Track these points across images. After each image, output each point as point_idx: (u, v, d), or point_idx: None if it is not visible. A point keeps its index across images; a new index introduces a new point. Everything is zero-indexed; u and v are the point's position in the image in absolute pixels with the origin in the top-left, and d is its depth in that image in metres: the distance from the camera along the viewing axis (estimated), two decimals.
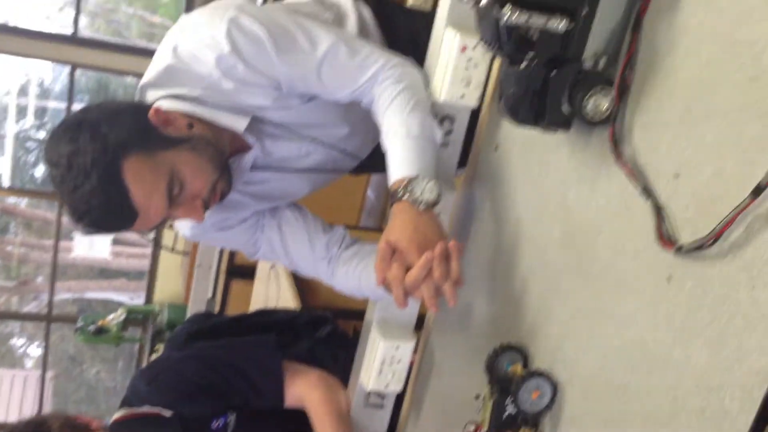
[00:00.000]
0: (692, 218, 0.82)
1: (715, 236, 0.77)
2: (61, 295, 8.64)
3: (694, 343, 0.80)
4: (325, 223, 1.52)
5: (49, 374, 8.07)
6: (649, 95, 0.89)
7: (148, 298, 6.88)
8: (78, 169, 1.17)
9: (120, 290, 9.12)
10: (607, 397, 0.94)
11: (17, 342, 9.61)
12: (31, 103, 8.55)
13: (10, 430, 1.52)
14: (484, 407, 1.12)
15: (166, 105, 1.28)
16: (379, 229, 3.80)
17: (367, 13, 1.48)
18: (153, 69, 1.30)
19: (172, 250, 5.68)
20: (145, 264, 7.30)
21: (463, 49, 1.21)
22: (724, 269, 0.77)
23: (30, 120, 8.77)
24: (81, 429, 1.54)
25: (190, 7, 6.04)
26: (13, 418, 8.42)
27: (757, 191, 0.71)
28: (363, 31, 1.45)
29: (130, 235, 7.86)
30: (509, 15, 0.85)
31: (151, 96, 1.32)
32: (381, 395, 1.53)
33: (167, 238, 5.92)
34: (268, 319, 1.92)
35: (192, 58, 1.25)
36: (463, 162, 1.38)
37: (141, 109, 1.26)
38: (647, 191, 0.87)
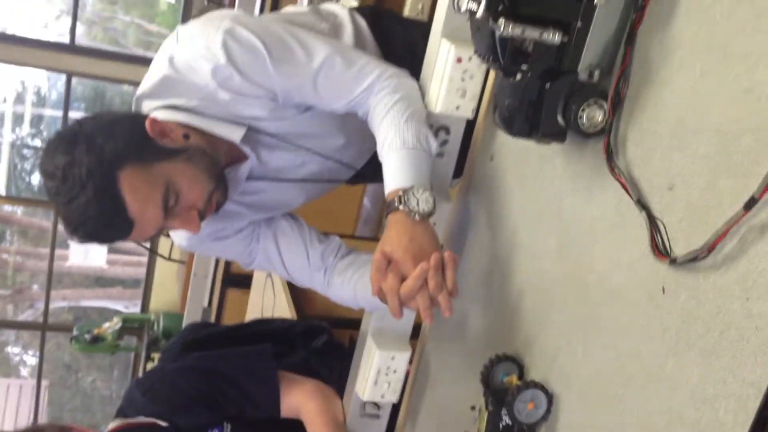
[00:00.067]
0: (686, 230, 0.82)
1: (709, 248, 0.77)
2: (57, 304, 8.62)
3: (688, 355, 0.80)
4: (320, 233, 1.52)
5: (45, 383, 8.05)
6: (644, 107, 0.89)
7: (144, 307, 6.87)
8: (73, 181, 1.18)
9: (116, 298, 9.10)
10: (603, 408, 0.94)
11: (12, 350, 9.58)
12: (28, 111, 8.54)
13: None
14: (480, 418, 1.12)
15: (162, 116, 1.28)
16: (376, 238, 3.80)
17: (363, 23, 1.49)
18: (149, 80, 1.31)
19: (169, 258, 5.66)
20: (141, 272, 7.30)
21: (459, 60, 1.21)
22: (718, 281, 0.77)
23: (26, 128, 8.77)
24: None
25: (187, 15, 6.05)
26: (8, 427, 8.40)
27: (750, 204, 0.72)
28: (359, 42, 1.45)
29: (126, 244, 7.84)
30: (504, 28, 0.85)
31: (147, 107, 1.32)
32: (377, 405, 1.52)
33: (163, 246, 5.90)
34: (264, 328, 1.92)
35: (188, 69, 1.25)
36: (458, 172, 1.38)
37: (137, 120, 1.26)
38: (641, 203, 0.88)
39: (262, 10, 3.50)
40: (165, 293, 6.57)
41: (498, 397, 1.09)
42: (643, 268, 0.88)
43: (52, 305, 7.53)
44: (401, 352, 1.41)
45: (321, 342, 1.85)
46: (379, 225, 4.07)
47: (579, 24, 0.88)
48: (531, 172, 1.14)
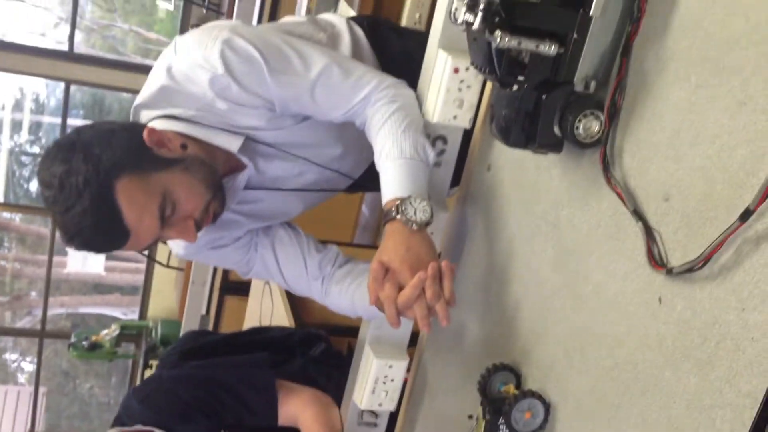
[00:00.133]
0: (682, 241, 0.82)
1: (705, 259, 0.77)
2: (55, 310, 8.61)
3: (684, 365, 0.81)
4: (318, 242, 1.52)
5: (42, 390, 8.02)
6: (639, 118, 0.89)
7: (142, 314, 6.86)
8: (70, 190, 1.18)
9: (114, 305, 9.09)
10: (600, 417, 0.94)
11: (10, 357, 9.56)
12: (26, 118, 8.54)
13: None
14: (477, 427, 1.12)
15: (160, 125, 1.28)
16: (374, 245, 3.80)
17: (361, 33, 1.49)
18: (147, 89, 1.31)
19: (167, 265, 5.66)
20: (139, 279, 7.29)
21: (456, 70, 1.21)
22: (713, 292, 0.77)
23: (25, 135, 8.77)
24: None
25: (185, 23, 6.06)
26: None
27: (745, 215, 0.72)
28: (357, 52, 1.46)
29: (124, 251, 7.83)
30: (500, 39, 0.86)
31: (145, 116, 1.32)
32: (374, 414, 1.52)
33: (162, 253, 5.90)
34: (262, 337, 1.92)
35: (186, 79, 1.26)
36: (455, 181, 1.39)
37: (135, 129, 1.26)
38: (638, 213, 0.88)
39: (260, 20, 3.52)
40: (163, 300, 6.57)
41: (495, 406, 1.09)
42: (639, 278, 0.88)
43: (50, 312, 7.52)
44: (399, 360, 1.41)
45: (319, 350, 1.85)
46: (378, 232, 4.08)
47: (575, 35, 0.89)
48: (528, 182, 1.15)
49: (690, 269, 0.79)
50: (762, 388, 0.71)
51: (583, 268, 0.99)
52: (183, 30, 6.12)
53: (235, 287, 3.75)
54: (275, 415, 1.59)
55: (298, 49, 1.28)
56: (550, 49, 0.88)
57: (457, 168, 1.36)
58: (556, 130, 0.95)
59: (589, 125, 0.93)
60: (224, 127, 1.30)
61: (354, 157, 1.48)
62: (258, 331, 2.05)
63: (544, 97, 0.93)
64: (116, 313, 8.74)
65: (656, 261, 0.85)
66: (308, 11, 3.19)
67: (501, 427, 1.08)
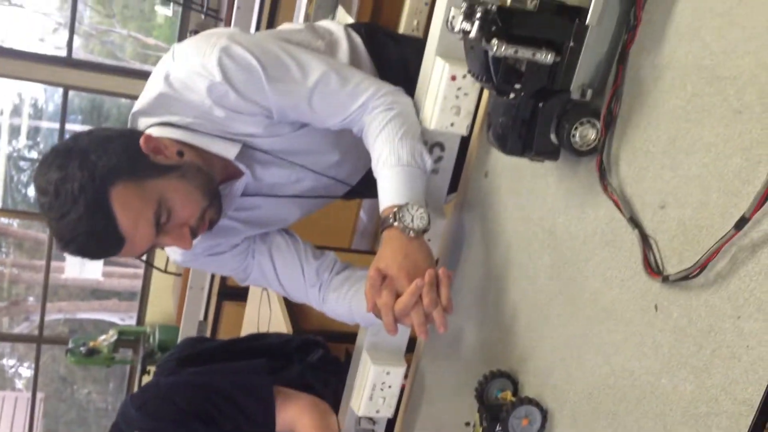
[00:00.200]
0: (678, 248, 0.82)
1: (701, 267, 0.78)
2: (53, 316, 8.60)
3: (680, 372, 0.81)
4: (315, 249, 1.53)
5: (40, 395, 8.00)
6: (635, 127, 0.90)
7: (140, 319, 6.85)
8: (65, 196, 1.18)
9: (112, 311, 9.07)
10: (596, 424, 0.95)
11: (8, 363, 9.54)
12: (25, 123, 8.54)
13: None
14: None
15: (157, 132, 1.29)
16: (372, 251, 3.80)
17: (359, 40, 1.50)
18: (145, 97, 1.31)
19: (165, 271, 5.65)
20: (137, 285, 7.28)
21: (453, 78, 1.22)
22: (709, 299, 0.78)
23: (23, 140, 8.76)
24: None
25: (184, 29, 6.07)
26: None
27: (740, 223, 0.72)
28: (354, 59, 1.46)
29: None
30: (497, 48, 0.86)
31: (142, 123, 1.32)
32: (372, 421, 1.52)
33: (159, 259, 5.90)
34: (260, 343, 1.92)
35: (184, 87, 1.26)
36: (453, 188, 1.39)
37: (132, 136, 1.26)
38: (634, 221, 0.88)
39: (258, 26, 3.52)
40: (161, 306, 6.56)
41: (492, 413, 1.09)
42: (635, 285, 0.89)
43: (48, 317, 7.51)
44: (396, 367, 1.42)
45: (316, 357, 1.85)
46: (376, 238, 4.08)
47: (571, 44, 0.89)
48: (525, 189, 1.15)
49: (686, 277, 0.79)
50: (757, 395, 0.71)
51: (580, 276, 1.00)
52: (182, 36, 6.13)
53: (233, 293, 3.75)
54: (273, 422, 1.59)
55: (295, 56, 1.29)
56: (546, 57, 0.89)
57: (454, 175, 1.36)
58: (553, 137, 0.95)
59: (586, 133, 0.93)
60: (221, 134, 1.30)
61: (351, 164, 1.48)
62: (256, 338, 2.05)
63: (540, 105, 0.94)
64: (114, 318, 8.72)
65: (652, 268, 0.85)
66: (306, 18, 3.19)
67: None
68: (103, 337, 6.01)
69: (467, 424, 1.22)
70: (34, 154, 8.69)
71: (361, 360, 1.44)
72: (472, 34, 0.88)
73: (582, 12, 0.88)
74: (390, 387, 1.42)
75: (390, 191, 1.19)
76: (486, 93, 1.25)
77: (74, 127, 7.29)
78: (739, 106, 0.75)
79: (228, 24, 4.57)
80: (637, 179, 0.89)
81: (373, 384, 1.41)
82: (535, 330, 1.10)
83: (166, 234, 1.25)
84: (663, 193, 0.85)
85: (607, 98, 0.92)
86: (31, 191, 8.49)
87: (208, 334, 3.86)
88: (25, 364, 9.25)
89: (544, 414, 1.05)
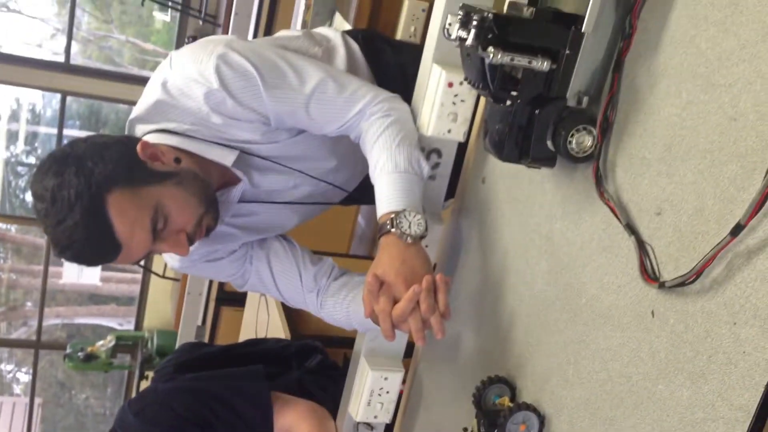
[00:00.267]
0: (674, 255, 0.83)
1: (697, 273, 0.78)
2: (51, 321, 8.59)
3: (677, 378, 0.81)
4: (313, 254, 1.53)
5: (38, 400, 8.00)
6: (631, 134, 0.90)
7: (138, 324, 6.85)
8: (62, 203, 1.18)
9: (110, 316, 9.06)
10: (594, 430, 0.95)
11: (5, 368, 9.52)
12: (22, 128, 8.54)
13: None
14: None
15: (154, 139, 1.29)
16: (370, 256, 3.80)
17: (356, 47, 1.50)
18: (142, 104, 1.31)
19: (163, 276, 5.65)
20: (135, 289, 7.28)
21: (450, 85, 1.22)
22: (706, 305, 0.78)
23: (21, 145, 8.76)
24: None
25: (182, 34, 6.07)
26: None
27: (736, 230, 0.73)
28: (352, 66, 1.47)
29: None
30: (493, 55, 0.87)
31: (140, 130, 1.33)
32: (370, 426, 1.52)
33: (157, 264, 5.90)
34: (257, 349, 1.92)
35: (181, 94, 1.26)
36: (450, 194, 1.39)
37: (129, 143, 1.27)
38: (630, 227, 0.89)
39: (255, 33, 3.53)
40: (159, 311, 6.56)
41: (490, 418, 1.10)
42: (632, 291, 0.89)
43: (46, 323, 7.49)
44: (394, 372, 1.42)
45: (315, 362, 1.85)
46: (374, 243, 4.08)
47: (567, 52, 0.90)
48: (522, 195, 1.15)
49: (682, 283, 0.80)
50: (754, 401, 0.71)
51: (577, 282, 1.00)
52: (179, 41, 6.14)
53: (231, 298, 3.76)
54: (271, 428, 1.58)
55: (293, 63, 1.29)
56: (542, 65, 0.89)
57: (451, 181, 1.37)
58: (549, 144, 0.96)
59: (582, 140, 0.94)
60: (219, 140, 1.30)
61: (348, 170, 1.48)
62: (253, 343, 2.05)
63: (537, 112, 0.94)
64: (112, 323, 8.72)
65: (649, 275, 0.86)
66: (304, 25, 3.20)
67: None
68: (101, 342, 6.00)
69: (465, 429, 1.22)
70: (32, 160, 8.69)
71: (359, 365, 1.44)
72: (469, 42, 0.88)
73: (578, 20, 0.89)
74: (388, 392, 1.42)
75: (387, 198, 1.19)
76: (483, 100, 1.25)
77: (72, 132, 7.29)
78: (734, 113, 0.76)
79: (226, 30, 4.58)
80: (633, 186, 0.90)
81: (371, 389, 1.41)
82: (532, 336, 1.10)
83: (163, 240, 1.25)
84: (659, 200, 0.85)
85: (603, 105, 0.92)
86: (29, 197, 8.48)
87: (206, 339, 3.86)
88: (23, 369, 9.24)
89: (542, 419, 1.05)
